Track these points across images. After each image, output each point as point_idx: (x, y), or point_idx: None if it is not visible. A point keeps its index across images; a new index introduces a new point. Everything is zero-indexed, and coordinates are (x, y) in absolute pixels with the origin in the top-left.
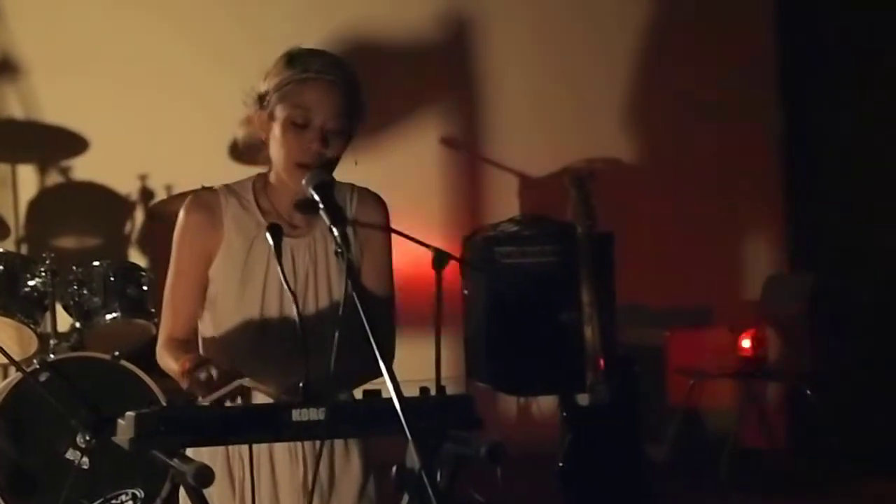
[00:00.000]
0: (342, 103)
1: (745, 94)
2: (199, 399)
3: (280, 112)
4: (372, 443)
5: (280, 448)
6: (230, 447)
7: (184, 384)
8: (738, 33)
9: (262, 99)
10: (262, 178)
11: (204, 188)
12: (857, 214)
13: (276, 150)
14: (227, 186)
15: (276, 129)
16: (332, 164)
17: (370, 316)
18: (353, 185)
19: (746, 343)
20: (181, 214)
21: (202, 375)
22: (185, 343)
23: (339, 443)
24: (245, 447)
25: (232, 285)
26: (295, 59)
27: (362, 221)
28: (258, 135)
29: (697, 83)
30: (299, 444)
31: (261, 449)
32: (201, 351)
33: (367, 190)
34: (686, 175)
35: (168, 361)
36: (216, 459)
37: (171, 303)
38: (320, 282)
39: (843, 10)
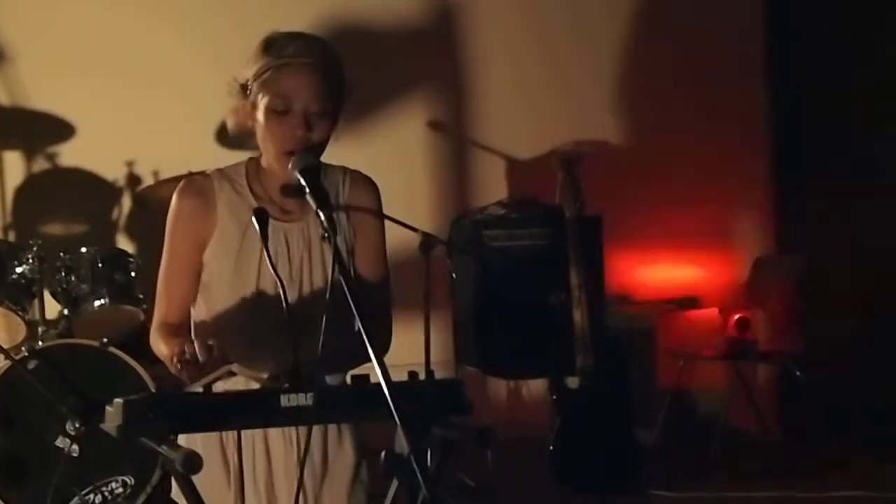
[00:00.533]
0: (322, 85)
1: (734, 75)
2: (188, 385)
3: (261, 100)
4: (365, 427)
5: (274, 432)
6: (224, 433)
7: (172, 368)
8: (726, 14)
9: (244, 88)
10: (255, 162)
11: (192, 173)
12: (845, 196)
13: (262, 139)
14: (220, 171)
15: (260, 118)
16: (319, 147)
17: (360, 299)
18: (345, 169)
19: (736, 325)
20: (174, 199)
21: (187, 353)
22: (178, 327)
23: (332, 427)
24: (237, 433)
25: (226, 271)
26: (271, 45)
27: (353, 205)
28: (245, 123)
29: (685, 65)
30: (293, 427)
31: (255, 433)
32: (193, 335)
33: (359, 173)
34: (674, 157)
35: (159, 346)
36: (210, 445)
37: (164, 288)
38: (315, 266)
39: None
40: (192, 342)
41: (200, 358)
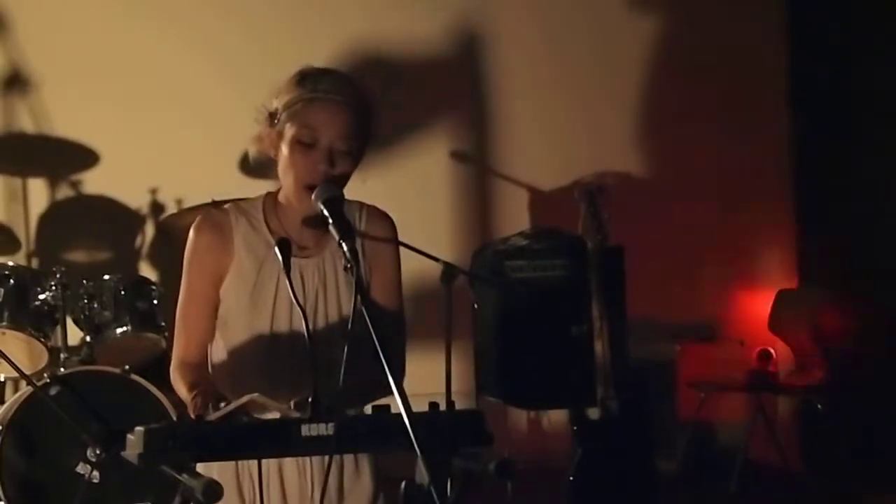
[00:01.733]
0: (350, 124)
1: (756, 108)
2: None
3: (288, 131)
4: (382, 459)
5: (289, 464)
6: (240, 463)
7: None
8: (749, 47)
9: (272, 117)
10: (272, 197)
11: (214, 203)
12: (867, 229)
13: (283, 170)
14: (236, 205)
15: (284, 148)
16: (341, 180)
17: (379, 331)
18: (361, 204)
19: (757, 357)
20: (191, 234)
21: (210, 412)
22: (198, 367)
23: (349, 458)
24: (254, 463)
25: (242, 305)
26: (305, 79)
27: (372, 236)
28: (268, 152)
29: (708, 98)
30: (308, 459)
31: (270, 464)
32: (210, 369)
33: (375, 208)
34: (697, 189)
35: (181, 388)
36: (226, 475)
37: (182, 324)
38: (330, 301)
39: (855, 22)
40: (209, 398)
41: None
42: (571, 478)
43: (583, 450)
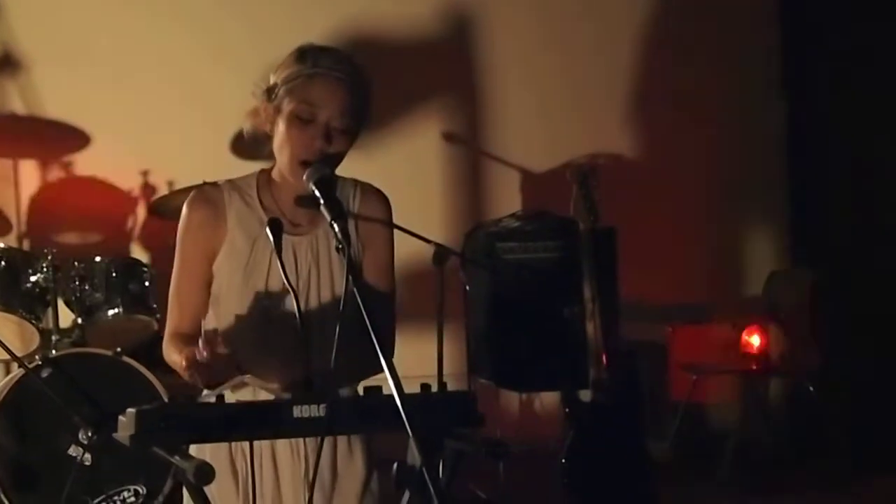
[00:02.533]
0: (349, 101)
1: (748, 89)
2: (201, 395)
3: (286, 106)
4: (375, 440)
5: (282, 444)
6: (233, 444)
7: (185, 375)
8: (741, 28)
9: (270, 91)
10: (265, 174)
11: (206, 183)
12: (859, 209)
13: (279, 145)
14: (230, 182)
15: (281, 124)
16: (335, 159)
17: (371, 311)
18: (356, 181)
19: (749, 339)
20: (184, 210)
21: (198, 356)
22: (190, 338)
23: (342, 439)
24: (248, 444)
25: (235, 282)
26: (306, 55)
27: (365, 217)
28: (264, 127)
29: (699, 79)
30: (301, 440)
31: (263, 445)
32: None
33: (370, 186)
34: (689, 170)
35: (172, 355)
36: (219, 455)
37: (176, 299)
38: (323, 279)
39: (846, 6)
40: (204, 346)
41: (212, 352)
42: (563, 459)
43: (574, 432)
